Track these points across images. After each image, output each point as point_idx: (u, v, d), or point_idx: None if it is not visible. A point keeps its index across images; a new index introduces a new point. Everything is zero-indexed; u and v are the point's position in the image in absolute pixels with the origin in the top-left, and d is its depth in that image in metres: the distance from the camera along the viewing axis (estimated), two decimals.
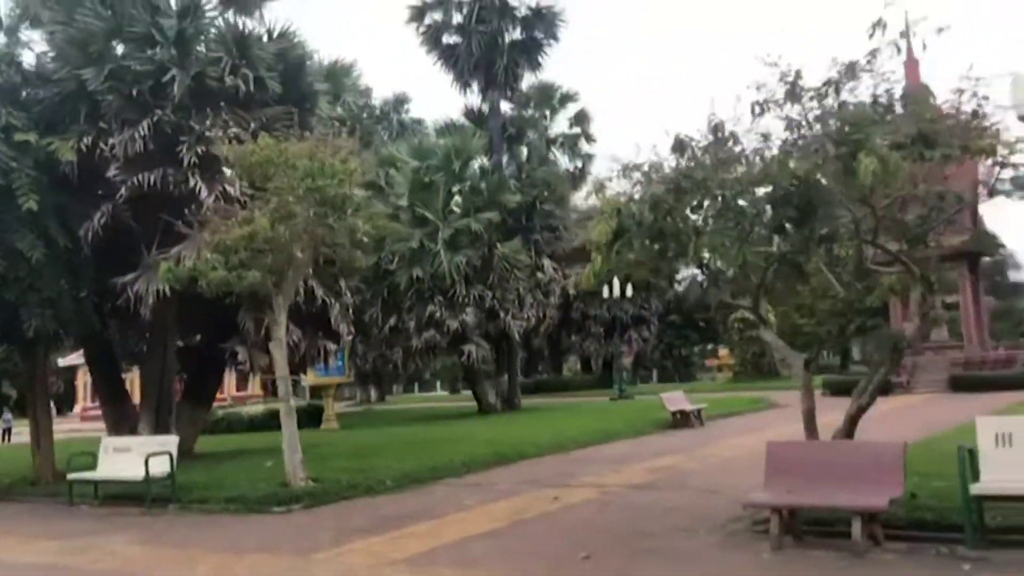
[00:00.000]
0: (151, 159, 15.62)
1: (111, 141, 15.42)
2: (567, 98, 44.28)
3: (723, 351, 51.30)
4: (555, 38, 32.18)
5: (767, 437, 17.77)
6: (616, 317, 49.37)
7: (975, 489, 6.88)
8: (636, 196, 8.67)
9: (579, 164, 42.60)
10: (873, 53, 7.97)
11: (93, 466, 14.34)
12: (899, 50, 7.98)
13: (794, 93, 7.96)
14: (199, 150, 15.43)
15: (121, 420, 18.88)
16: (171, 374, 17.94)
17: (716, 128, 8.52)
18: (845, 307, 9.55)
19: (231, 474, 15.01)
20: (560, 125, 42.78)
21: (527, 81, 33.55)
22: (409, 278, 27.29)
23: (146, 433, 17.39)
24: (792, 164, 7.68)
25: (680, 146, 8.60)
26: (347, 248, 12.95)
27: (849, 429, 8.78)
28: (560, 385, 52.24)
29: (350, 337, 22.53)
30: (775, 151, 8.39)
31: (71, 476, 13.95)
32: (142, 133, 15.15)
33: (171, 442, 13.60)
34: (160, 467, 12.97)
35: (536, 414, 27.54)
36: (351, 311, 21.08)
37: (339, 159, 12.28)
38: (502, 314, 28.44)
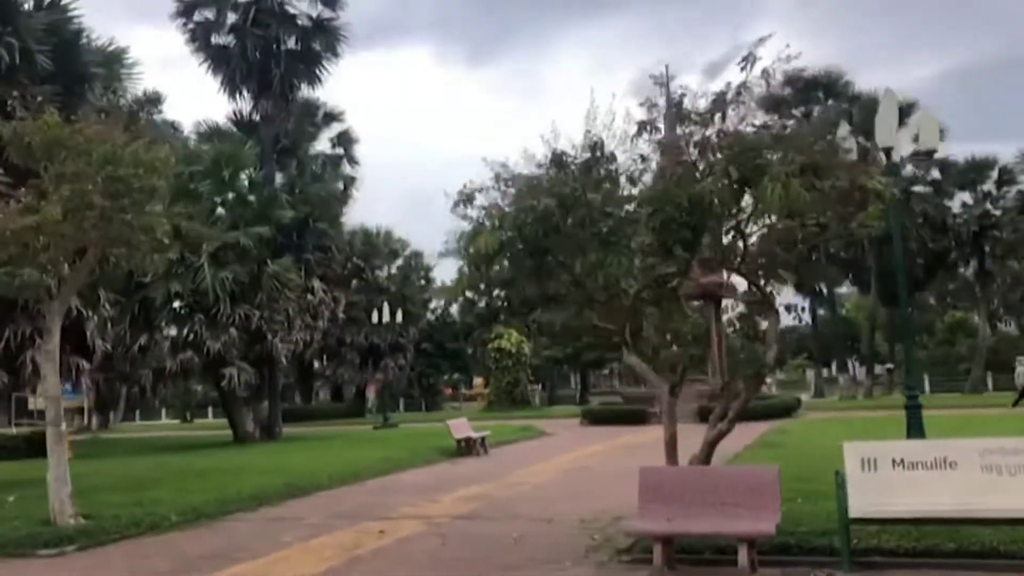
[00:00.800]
0: None
1: None
2: (331, 117, 43.23)
3: (478, 380, 52.00)
4: (335, 53, 31.14)
5: (560, 464, 18.47)
6: (374, 344, 48.60)
7: (853, 513, 7.13)
8: (509, 210, 8.32)
9: (341, 186, 41.62)
10: (743, 85, 8.22)
11: None
12: (767, 84, 8.29)
13: (680, 115, 8.01)
14: None
15: None
16: None
17: (595, 146, 8.39)
18: (705, 332, 9.70)
19: None
20: (322, 144, 41.65)
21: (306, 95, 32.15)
22: (166, 293, 24.84)
23: None
24: (679, 188, 7.67)
25: (559, 161, 8.38)
26: (143, 250, 11.35)
27: (707, 455, 8.89)
28: (310, 414, 50.10)
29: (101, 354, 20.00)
30: (648, 174, 8.42)
31: None
32: None
33: None
34: None
35: (302, 443, 26.00)
36: (109, 325, 18.75)
37: (141, 147, 10.77)
38: (269, 336, 26.68)
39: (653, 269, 8.08)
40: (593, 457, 19.06)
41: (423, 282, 60.16)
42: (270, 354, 27.27)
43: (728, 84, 8.13)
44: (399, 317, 39.27)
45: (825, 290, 55.41)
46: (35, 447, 25.85)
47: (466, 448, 20.51)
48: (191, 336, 25.22)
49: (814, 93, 46.17)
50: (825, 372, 79.01)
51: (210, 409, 67.88)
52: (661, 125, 8.63)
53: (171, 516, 11.86)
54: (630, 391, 34.14)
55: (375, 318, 34.42)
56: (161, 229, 10.94)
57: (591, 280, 8.56)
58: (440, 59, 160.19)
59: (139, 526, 11.28)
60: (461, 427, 21.16)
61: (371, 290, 49.65)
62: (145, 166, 10.40)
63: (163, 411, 67.88)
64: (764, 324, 8.88)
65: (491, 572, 8.10)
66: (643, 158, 8.33)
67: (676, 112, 8.15)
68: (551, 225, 7.71)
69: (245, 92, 31.00)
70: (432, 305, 60.95)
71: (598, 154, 8.35)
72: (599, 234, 7.80)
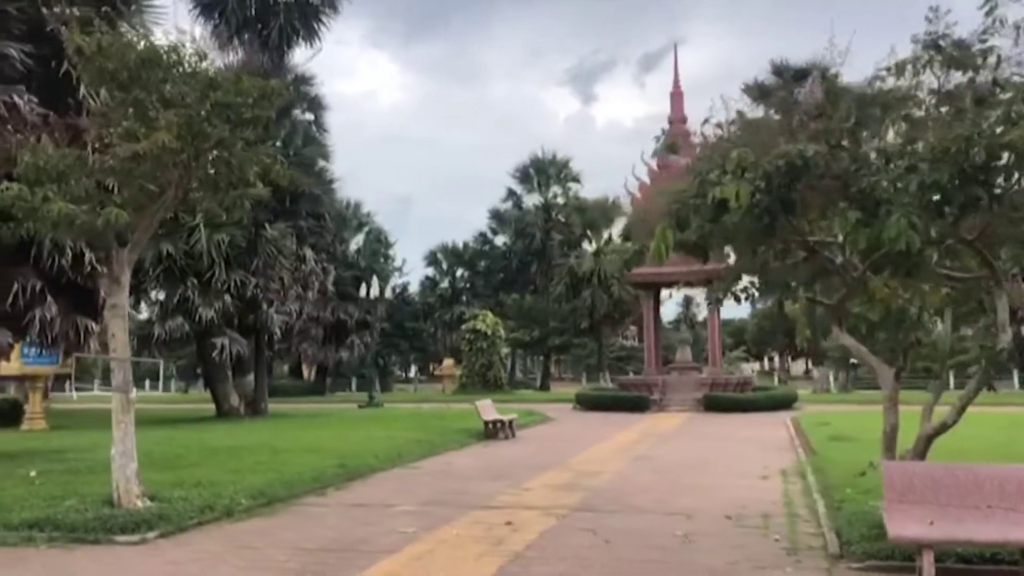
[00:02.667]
0: None
1: None
2: (302, 80, 41.22)
3: (448, 361, 50.70)
4: (334, 7, 29.39)
5: (612, 450, 17.39)
6: (340, 320, 46.84)
7: None
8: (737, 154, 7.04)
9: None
10: None
11: None
12: None
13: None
14: None
15: None
16: None
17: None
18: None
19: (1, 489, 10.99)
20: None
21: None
22: (157, 253, 22.96)
23: None
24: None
25: (832, 96, 7.19)
26: (232, 191, 9.93)
27: (923, 450, 7.94)
28: (272, 390, 48.10)
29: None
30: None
31: None
32: None
33: None
34: None
35: (296, 421, 24.43)
36: (156, 283, 17.02)
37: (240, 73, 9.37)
38: (264, 305, 25.04)
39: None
40: (638, 445, 18.11)
41: (383, 259, 58.57)
42: (263, 324, 25.62)
43: None
44: (374, 292, 37.66)
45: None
46: (3, 416, 23.87)
47: (492, 431, 19.39)
48: (182, 301, 23.44)
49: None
50: (757, 366, 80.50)
51: (161, 382, 65.05)
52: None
53: (240, 499, 10.49)
54: (624, 378, 33.40)
55: (362, 292, 32.78)
56: (261, 166, 9.55)
57: (834, 246, 7.51)
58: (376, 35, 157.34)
59: (212, 510, 9.88)
60: (488, 409, 20.01)
61: (338, 263, 47.85)
62: (250, 94, 8.97)
63: (95, 382, 64.37)
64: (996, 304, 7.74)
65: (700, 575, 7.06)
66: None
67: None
68: (815, 174, 6.56)
69: (237, 45, 28.99)
70: (392, 283, 59.23)
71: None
72: (867, 189, 6.53)
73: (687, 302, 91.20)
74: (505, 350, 51.22)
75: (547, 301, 56.75)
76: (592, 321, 54.10)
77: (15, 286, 14.27)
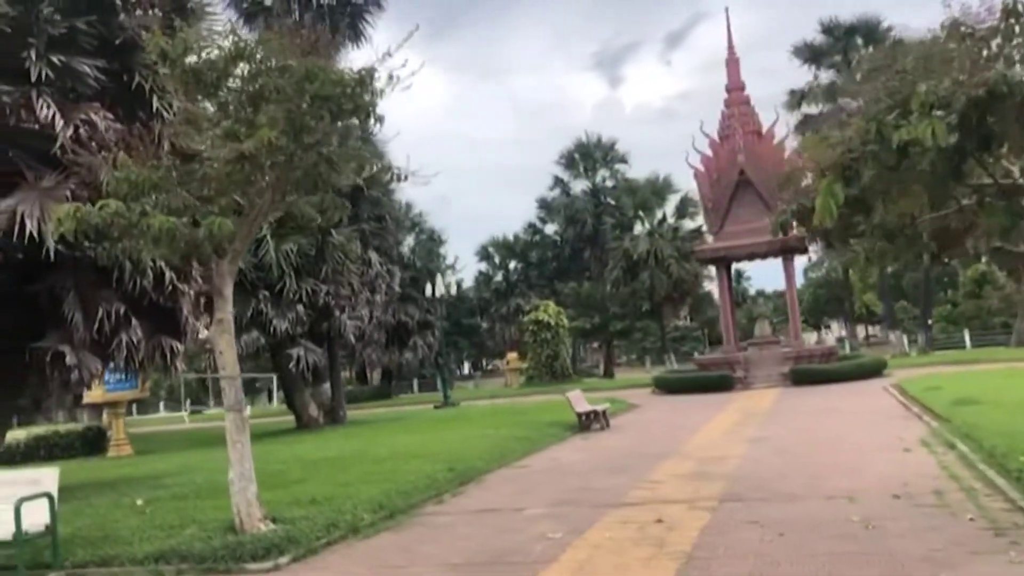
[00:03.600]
0: None
1: None
2: None
3: (511, 355, 50.09)
4: (379, 6, 28.91)
5: (719, 434, 16.52)
6: (401, 322, 46.52)
7: None
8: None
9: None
10: None
11: None
12: None
13: None
14: (56, 59, 10.85)
15: None
16: None
17: None
18: None
19: (109, 520, 10.61)
20: None
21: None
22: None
23: None
24: None
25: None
26: (329, 189, 9.40)
27: None
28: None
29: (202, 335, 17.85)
30: None
31: None
32: None
33: (47, 478, 9.04)
34: (34, 517, 8.53)
35: (378, 427, 23.98)
36: (203, 302, 16.65)
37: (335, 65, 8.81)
38: (337, 312, 24.64)
39: None
40: (744, 426, 17.28)
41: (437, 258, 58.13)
42: (336, 332, 25.25)
43: None
44: (439, 291, 37.19)
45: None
46: (89, 444, 23.83)
47: (586, 422, 18.71)
48: (255, 315, 23.12)
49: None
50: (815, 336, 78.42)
51: (211, 399, 65.46)
52: None
53: (362, 514, 9.95)
54: (703, 357, 32.44)
55: (427, 292, 32.34)
56: (359, 161, 8.98)
57: None
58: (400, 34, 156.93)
59: (337, 527, 9.36)
60: (580, 400, 19.33)
61: (394, 264, 47.58)
62: (348, 83, 8.39)
63: (160, 404, 64.82)
64: None
65: (919, 567, 6.29)
66: None
67: None
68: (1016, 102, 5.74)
69: None
70: (447, 281, 58.77)
71: None
72: None
73: (736, 276, 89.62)
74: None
75: (604, 287, 55.85)
76: (652, 303, 53.11)
77: (100, 311, 13.89)
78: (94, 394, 21.79)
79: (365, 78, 8.44)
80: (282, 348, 24.07)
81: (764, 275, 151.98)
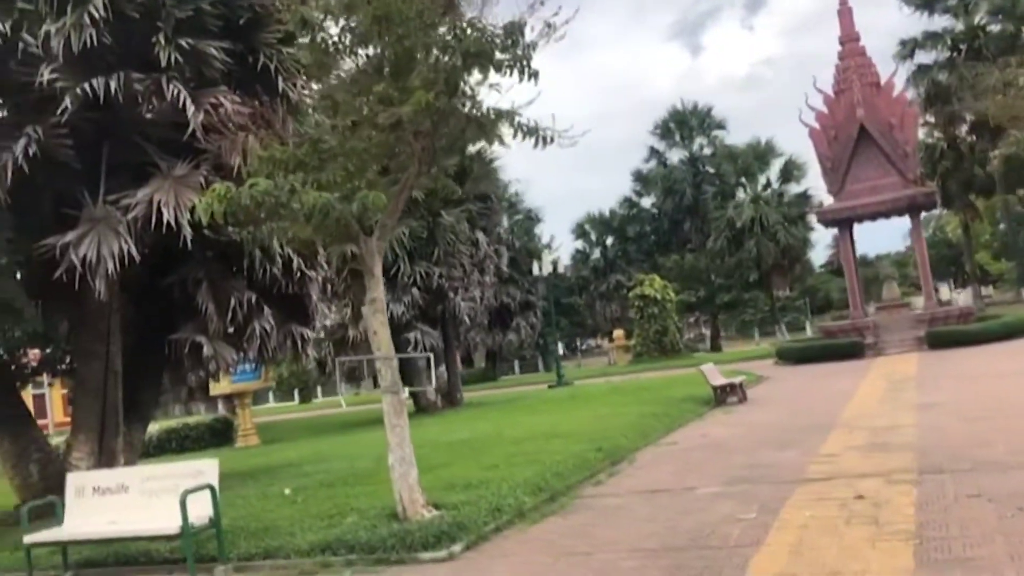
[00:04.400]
0: (105, 58, 10.61)
1: (44, 29, 10.25)
2: None
3: (618, 332, 49.31)
4: None
5: (871, 401, 15.46)
6: (503, 304, 46.19)
7: None
8: None
9: None
10: None
11: (55, 517, 9.36)
12: None
13: None
14: (184, 43, 10.62)
15: (25, 454, 13.37)
16: (117, 382, 12.67)
17: None
18: None
19: (262, 511, 10.42)
20: None
21: None
22: (342, 255, 22.48)
23: (85, 466, 12.20)
24: None
25: None
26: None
27: None
28: None
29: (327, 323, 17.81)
30: None
31: (30, 539, 8.84)
32: (97, 14, 10.02)
33: (209, 470, 8.82)
34: (198, 509, 8.29)
35: (497, 408, 23.65)
36: (345, 286, 16.49)
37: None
38: (451, 295, 24.35)
39: None
40: (899, 392, 16.15)
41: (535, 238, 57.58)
42: (451, 314, 24.97)
43: None
44: (546, 269, 36.65)
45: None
46: (218, 435, 24.20)
47: (722, 395, 17.86)
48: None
49: None
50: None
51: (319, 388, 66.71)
52: None
53: (523, 498, 9.43)
54: (829, 324, 30.98)
55: (535, 270, 31.87)
56: (511, 122, 8.39)
57: None
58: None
59: (501, 512, 8.86)
60: (714, 373, 18.49)
61: (501, 244, 47.26)
62: (495, 37, 7.80)
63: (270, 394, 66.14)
64: None
65: None
66: None
67: None
68: None
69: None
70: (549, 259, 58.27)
71: None
72: None
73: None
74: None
75: (707, 258, 54.41)
76: (760, 272, 51.47)
77: (232, 301, 13.77)
78: (221, 385, 22.04)
79: (515, 31, 7.84)
80: (400, 332, 23.89)
81: (868, 238, 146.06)
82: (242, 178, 11.71)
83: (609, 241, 60.82)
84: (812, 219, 51.73)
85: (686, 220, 57.51)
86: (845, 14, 30.16)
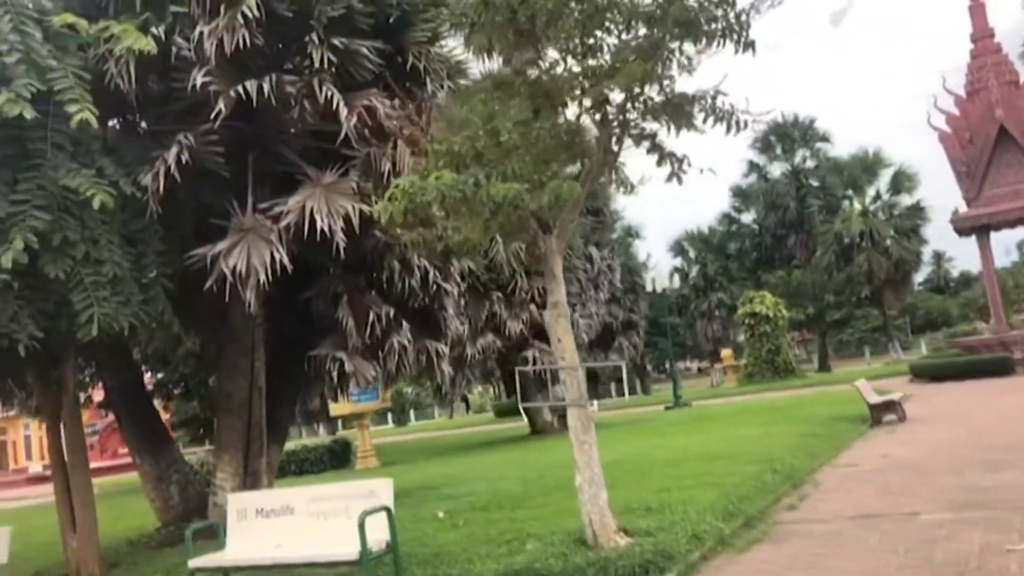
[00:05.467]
0: (256, 60, 10.23)
1: (197, 31, 9.92)
2: None
3: (726, 351, 47.72)
4: None
5: None
6: (605, 323, 45.15)
7: None
8: None
9: None
10: None
11: (214, 542, 8.85)
12: None
13: None
14: (338, 42, 10.16)
15: (165, 475, 13.07)
16: (261, 399, 12.25)
17: None
18: None
19: (423, 535, 9.73)
20: None
21: None
22: (460, 271, 21.97)
23: (229, 487, 11.76)
24: None
25: None
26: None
27: None
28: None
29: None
30: None
31: (195, 563, 8.31)
32: (250, 14, 9.62)
33: (383, 490, 8.16)
34: (374, 533, 7.61)
35: (626, 429, 22.60)
36: (464, 302, 15.88)
37: None
38: (569, 312, 23.54)
39: None
40: None
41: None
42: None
43: None
44: (656, 286, 35.55)
45: None
46: (336, 457, 23.84)
47: (878, 414, 16.52)
48: (489, 317, 22.35)
49: None
50: None
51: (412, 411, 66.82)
52: None
53: (717, 524, 8.48)
54: (971, 339, 29.01)
55: (649, 285, 30.89)
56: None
57: None
58: None
59: (701, 539, 7.94)
60: (868, 390, 17.16)
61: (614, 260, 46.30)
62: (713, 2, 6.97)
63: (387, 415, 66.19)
64: None
65: None
66: None
67: None
68: None
69: None
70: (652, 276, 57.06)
71: None
72: None
73: (936, 258, 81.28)
74: None
75: (814, 274, 52.31)
76: (872, 288, 49.21)
77: (370, 316, 13.23)
78: (341, 406, 21.68)
79: None
80: (516, 351, 23.22)
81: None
82: (388, 184, 11.26)
83: (709, 259, 59.17)
84: (925, 232, 49.58)
85: (790, 235, 55.49)
86: (977, 10, 28.39)
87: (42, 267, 8.75)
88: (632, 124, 7.81)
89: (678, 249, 60.00)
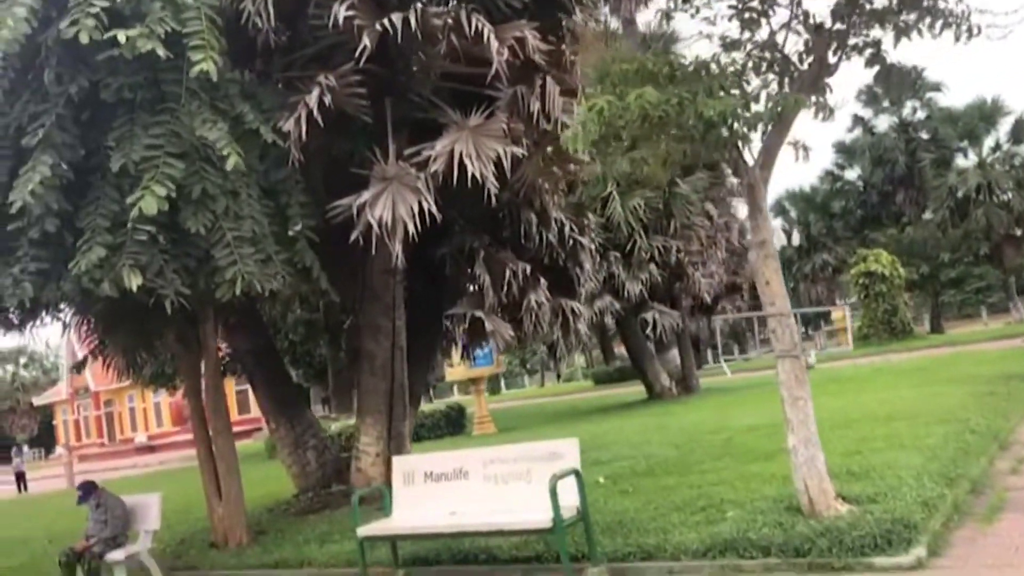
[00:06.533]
0: None
1: None
2: None
3: (837, 313, 45.76)
4: None
5: None
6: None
7: None
8: None
9: None
10: None
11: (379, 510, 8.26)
12: None
13: None
14: None
15: (302, 440, 12.61)
16: (403, 360, 11.64)
17: None
18: None
19: (595, 502, 8.93)
20: None
21: None
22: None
23: (373, 452, 11.22)
24: None
25: None
26: None
27: None
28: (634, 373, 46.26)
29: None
30: None
31: (365, 531, 7.70)
32: None
33: (568, 450, 7.39)
34: (563, 498, 6.83)
35: (749, 396, 21.38)
36: (597, 258, 15.02)
37: None
38: (691, 271, 22.48)
39: None
40: None
41: None
42: (689, 292, 23.11)
43: None
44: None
45: None
46: (452, 423, 23.38)
47: None
48: (608, 278, 21.41)
49: None
50: None
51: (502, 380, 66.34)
52: None
53: (940, 489, 7.42)
54: None
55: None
56: None
57: None
58: None
59: (933, 508, 6.91)
60: None
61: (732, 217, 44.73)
62: None
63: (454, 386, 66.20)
64: None
65: None
66: None
67: None
68: None
69: None
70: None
71: None
72: None
73: None
74: None
75: (926, 231, 49.62)
76: (991, 244, 46.37)
77: (507, 273, 12.48)
78: (456, 371, 21.13)
79: None
80: (633, 313, 22.27)
81: None
82: (538, 124, 10.41)
83: (812, 218, 56.75)
84: None
85: (898, 191, 52.67)
86: None
87: (183, 221, 8.23)
88: (853, 31, 6.74)
89: (779, 209, 57.70)
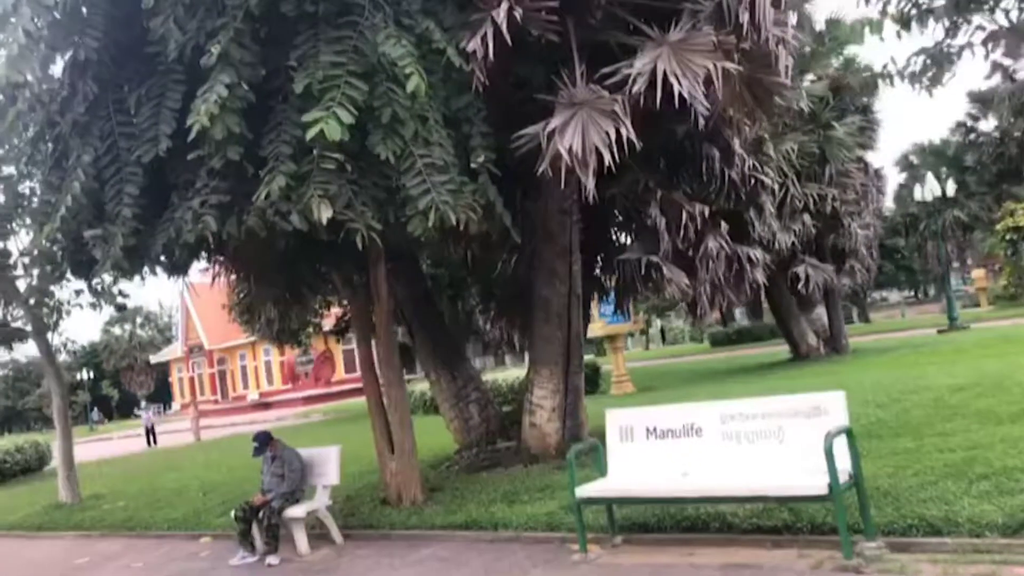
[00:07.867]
0: None
1: None
2: None
3: (977, 272, 42.99)
4: None
5: None
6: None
7: None
8: None
9: None
10: None
11: (594, 468, 7.38)
12: None
13: None
14: None
15: (463, 393, 11.86)
16: (579, 308, 10.71)
17: None
18: None
19: None
20: None
21: None
22: None
23: (548, 406, 10.36)
24: None
25: None
26: None
27: None
28: (755, 334, 44.55)
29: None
30: None
31: (583, 492, 6.80)
32: None
33: (834, 406, 6.28)
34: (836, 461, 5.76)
35: (907, 358, 19.72)
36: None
37: None
38: (847, 221, 20.88)
39: None
40: None
41: None
42: (845, 245, 21.54)
43: None
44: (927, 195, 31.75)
45: None
46: (588, 381, 22.38)
47: None
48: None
49: None
50: None
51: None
52: None
53: None
54: None
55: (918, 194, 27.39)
56: None
57: None
58: None
59: None
60: None
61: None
62: None
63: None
64: None
65: None
66: None
67: None
68: None
69: None
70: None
71: None
72: None
73: None
74: None
75: None
76: None
77: (683, 216, 11.34)
78: (594, 327, 20.12)
79: None
80: (786, 266, 20.81)
81: None
82: (743, 39, 9.18)
83: (943, 173, 53.29)
84: None
85: None
86: None
87: (372, 146, 7.41)
88: None
89: (904, 164, 54.48)
